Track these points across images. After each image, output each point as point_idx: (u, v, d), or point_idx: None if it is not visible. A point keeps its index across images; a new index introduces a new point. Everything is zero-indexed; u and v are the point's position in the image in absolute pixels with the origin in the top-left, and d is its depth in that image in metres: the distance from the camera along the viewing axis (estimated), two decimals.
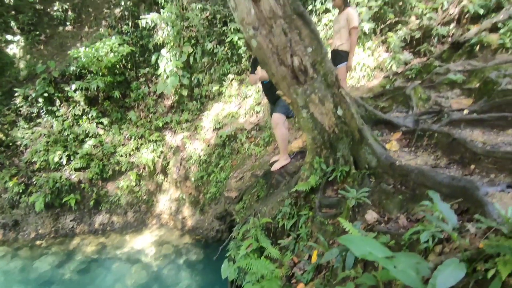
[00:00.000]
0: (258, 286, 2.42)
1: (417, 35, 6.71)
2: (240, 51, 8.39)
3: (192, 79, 9.01)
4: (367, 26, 6.99)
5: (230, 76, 8.69)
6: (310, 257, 2.63)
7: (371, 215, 2.37)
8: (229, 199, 6.27)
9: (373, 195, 2.63)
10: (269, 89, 4.48)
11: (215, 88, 8.76)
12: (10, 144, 9.02)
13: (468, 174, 2.36)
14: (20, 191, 8.32)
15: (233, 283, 3.53)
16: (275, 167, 4.58)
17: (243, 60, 8.72)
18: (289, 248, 3.01)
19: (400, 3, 7.35)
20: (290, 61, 3.23)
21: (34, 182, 8.43)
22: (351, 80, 6.99)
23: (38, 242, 8.17)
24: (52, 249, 7.81)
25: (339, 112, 3.26)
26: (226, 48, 8.68)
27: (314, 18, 8.12)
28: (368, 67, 6.92)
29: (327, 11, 7.83)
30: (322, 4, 7.83)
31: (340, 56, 5.01)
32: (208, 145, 7.97)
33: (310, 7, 8.12)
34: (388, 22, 7.16)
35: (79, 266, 7.11)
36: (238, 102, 8.38)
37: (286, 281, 2.53)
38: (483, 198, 1.85)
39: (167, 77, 8.62)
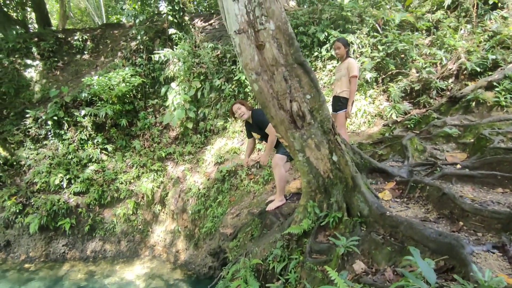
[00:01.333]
0: None
1: (417, 87, 6.95)
2: (247, 89, 8.68)
3: (198, 112, 9.26)
4: (369, 75, 7.27)
5: None
6: None
7: (359, 265, 2.38)
8: (224, 236, 6.22)
9: (363, 244, 2.65)
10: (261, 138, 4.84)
11: (219, 123, 8.98)
12: (14, 163, 9.17)
13: (456, 231, 2.39)
14: (17, 211, 8.33)
15: None
16: (270, 207, 4.62)
17: (249, 98, 9.00)
18: None
19: (402, 55, 7.68)
20: (289, 106, 3.38)
21: (32, 203, 8.45)
22: (352, 126, 7.15)
23: (27, 265, 8.04)
24: (40, 274, 7.66)
25: (334, 158, 3.35)
26: (234, 85, 8.99)
27: (319, 64, 8.47)
28: (369, 114, 7.11)
29: (332, 57, 8.19)
30: (327, 51, 8.20)
31: (341, 103, 5.20)
32: (208, 179, 8.03)
33: (316, 53, 8.50)
34: (390, 73, 7.44)
35: None
36: (241, 138, 8.54)
37: None
38: (467, 257, 1.88)
39: (174, 109, 8.89)
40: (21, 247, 8.39)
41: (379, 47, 7.69)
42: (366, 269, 2.34)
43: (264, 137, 4.83)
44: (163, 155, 9.17)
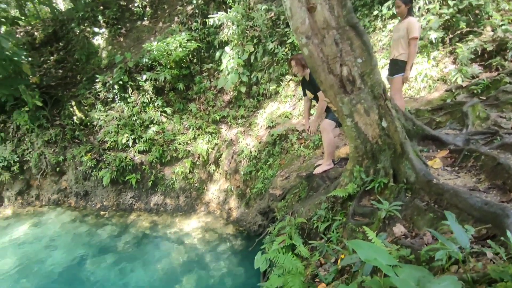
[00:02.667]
0: (282, 279, 2.62)
1: (490, 47, 6.25)
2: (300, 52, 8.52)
3: (251, 77, 9.36)
4: (435, 35, 6.69)
5: (288, 76, 8.87)
6: (336, 260, 2.75)
7: (399, 229, 2.42)
8: (273, 196, 6.50)
9: (406, 210, 2.66)
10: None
11: (272, 87, 9.02)
12: (88, 124, 10.22)
13: (506, 201, 2.30)
14: (92, 165, 9.41)
15: (265, 274, 3.76)
16: (318, 170, 4.70)
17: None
18: (319, 249, 3.15)
19: (476, 11, 6.89)
20: (339, 71, 3.34)
21: (104, 159, 9.47)
22: (410, 91, 6.76)
23: (102, 213, 9.21)
24: (112, 220, 8.76)
25: (384, 124, 3.29)
26: (287, 49, 8.87)
27: (379, 24, 7.96)
28: (430, 78, 6.63)
29: (394, 16, 7.63)
30: (389, 10, 7.64)
31: (398, 66, 4.93)
32: (260, 142, 8.27)
33: (376, 12, 7.97)
34: (459, 32, 6.76)
35: (133, 239, 7.89)
36: (293, 103, 8.54)
37: (310, 279, 2.69)
38: (510, 226, 1.84)
39: (228, 73, 9.08)
40: (97, 197, 9.58)
41: (449, 2, 6.95)
42: (406, 233, 2.39)
43: (316, 98, 4.82)
44: (217, 118, 9.56)
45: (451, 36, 6.90)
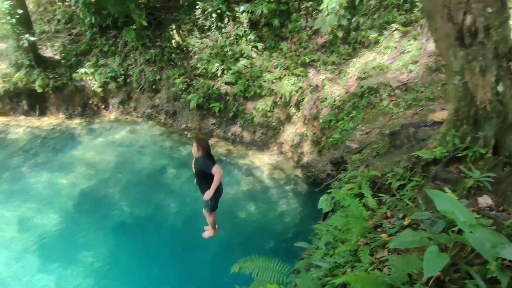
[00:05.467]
0: (345, 220, 2.65)
1: None
2: None
3: (352, 21, 8.69)
4: None
5: (394, 25, 8.05)
6: (404, 216, 2.67)
7: (485, 200, 2.21)
8: (349, 149, 6.37)
9: (500, 184, 2.39)
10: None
11: (373, 35, 8.31)
12: (184, 49, 10.78)
13: None
14: (183, 88, 10.12)
15: (326, 216, 3.84)
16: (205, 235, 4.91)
17: (416, 10, 7.88)
18: (387, 204, 3.07)
19: None
20: (461, 19, 2.91)
21: (194, 84, 10.09)
22: None
23: (185, 133, 10.10)
24: (193, 141, 9.57)
25: (499, 88, 2.87)
26: None
27: None
28: None
29: None
30: None
31: None
32: (346, 92, 7.93)
33: None
34: None
35: None
36: (393, 55, 7.84)
37: (372, 227, 2.67)
38: None
39: (328, 14, 8.52)
40: (183, 118, 10.44)
41: None
42: (492, 206, 2.18)
43: (201, 181, 4.48)
44: (307, 61, 9.28)
45: None
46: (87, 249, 6.22)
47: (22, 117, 10.47)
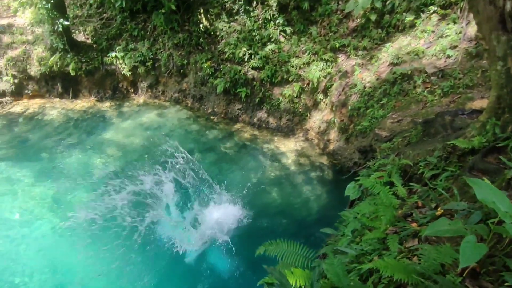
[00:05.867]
0: (373, 208, 2.57)
1: None
2: None
3: (387, 3, 8.30)
4: None
5: (433, 8, 7.62)
6: (437, 206, 2.54)
7: None
8: (379, 137, 6.17)
9: None
10: None
11: (408, 18, 7.91)
12: (212, 33, 10.74)
13: None
14: (210, 73, 10.12)
15: (353, 204, 3.75)
16: None
17: None
18: (418, 193, 2.94)
19: None
20: (502, 3, 2.70)
21: (221, 69, 10.07)
22: None
23: (212, 117, 10.16)
24: (219, 126, 9.63)
25: None
26: None
27: None
28: None
29: None
30: None
31: None
32: (377, 79, 7.63)
33: None
34: None
35: (234, 146, 8.65)
36: (430, 39, 7.44)
37: (402, 216, 2.57)
38: None
39: None
40: (210, 102, 10.49)
41: None
42: None
43: None
44: (337, 46, 8.99)
45: None
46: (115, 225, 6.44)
47: (57, 99, 10.91)
